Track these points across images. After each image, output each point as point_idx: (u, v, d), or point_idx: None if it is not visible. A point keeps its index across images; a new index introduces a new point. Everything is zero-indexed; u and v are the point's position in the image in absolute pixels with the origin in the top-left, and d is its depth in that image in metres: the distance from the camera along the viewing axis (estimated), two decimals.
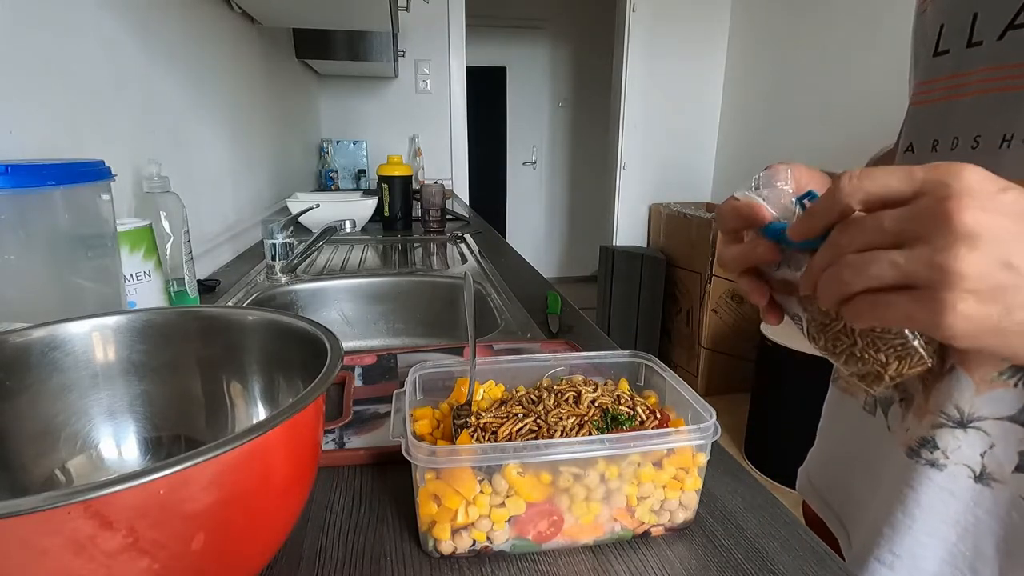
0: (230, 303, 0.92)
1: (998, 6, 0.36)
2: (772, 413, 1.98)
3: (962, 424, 0.39)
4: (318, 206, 1.37)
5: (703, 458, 0.38)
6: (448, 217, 1.72)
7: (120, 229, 0.59)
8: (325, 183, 2.65)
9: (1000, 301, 0.25)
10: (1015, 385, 0.36)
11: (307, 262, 1.19)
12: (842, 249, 0.28)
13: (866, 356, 0.32)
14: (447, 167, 3.04)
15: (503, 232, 4.58)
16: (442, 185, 1.62)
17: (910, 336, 0.30)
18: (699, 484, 0.39)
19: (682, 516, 0.39)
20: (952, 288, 0.24)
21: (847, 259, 0.27)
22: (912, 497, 0.42)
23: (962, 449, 0.39)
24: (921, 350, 0.30)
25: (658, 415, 0.41)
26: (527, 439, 0.37)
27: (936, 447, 0.40)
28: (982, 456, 0.38)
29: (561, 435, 0.38)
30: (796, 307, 0.35)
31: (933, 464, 0.40)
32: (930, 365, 0.31)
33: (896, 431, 0.44)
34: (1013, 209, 0.24)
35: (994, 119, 0.37)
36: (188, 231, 0.80)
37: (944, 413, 0.39)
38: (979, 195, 0.24)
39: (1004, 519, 0.38)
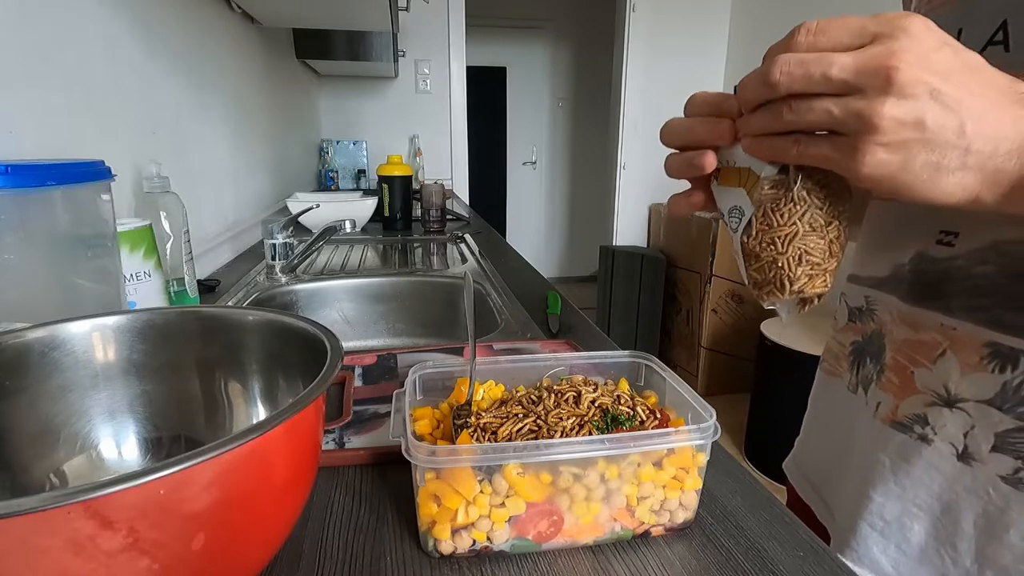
0: (230, 303, 0.92)
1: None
2: (772, 413, 1.98)
3: (949, 404, 0.41)
4: (318, 206, 1.38)
5: (703, 458, 0.38)
6: (448, 217, 1.72)
7: (120, 229, 0.59)
8: (325, 183, 2.66)
9: (903, 152, 0.28)
10: (992, 371, 0.38)
11: (307, 262, 1.19)
12: (791, 77, 0.29)
13: (782, 266, 0.34)
14: (447, 167, 3.04)
15: (503, 232, 4.58)
16: (442, 185, 1.62)
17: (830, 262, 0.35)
18: (699, 484, 0.39)
19: (682, 516, 0.39)
20: (868, 139, 0.28)
21: (790, 103, 0.30)
22: (904, 468, 0.44)
23: (947, 427, 0.41)
24: (828, 276, 0.35)
25: (658, 415, 0.41)
26: (527, 439, 0.37)
27: (927, 423, 0.43)
28: (964, 436, 0.40)
29: (561, 435, 0.38)
30: (744, 199, 0.36)
31: (924, 439, 0.43)
32: (827, 290, 0.36)
33: (876, 406, 0.47)
34: (943, 67, 0.27)
35: None
36: (188, 231, 0.80)
37: (935, 392, 0.42)
38: (919, 50, 0.27)
39: (982, 496, 0.40)
